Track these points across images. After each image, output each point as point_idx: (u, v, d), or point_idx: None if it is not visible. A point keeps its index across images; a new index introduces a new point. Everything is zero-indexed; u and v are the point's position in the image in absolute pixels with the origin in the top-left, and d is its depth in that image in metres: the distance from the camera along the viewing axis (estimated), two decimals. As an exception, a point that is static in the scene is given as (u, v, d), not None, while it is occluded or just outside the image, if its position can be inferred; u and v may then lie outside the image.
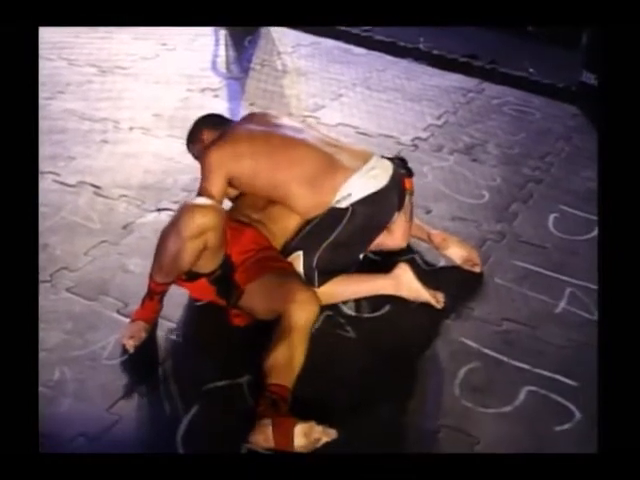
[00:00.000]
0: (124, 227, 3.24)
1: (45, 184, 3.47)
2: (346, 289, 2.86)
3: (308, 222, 2.85)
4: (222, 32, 5.45)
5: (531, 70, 5.12)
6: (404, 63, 5.22)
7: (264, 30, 5.57)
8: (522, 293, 3.02)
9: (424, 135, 4.26)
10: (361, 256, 2.93)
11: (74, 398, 2.40)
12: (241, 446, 2.25)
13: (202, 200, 2.63)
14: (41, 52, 4.55)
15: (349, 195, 2.80)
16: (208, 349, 2.65)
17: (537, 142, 4.27)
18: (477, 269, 3.11)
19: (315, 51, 5.36)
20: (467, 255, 3.11)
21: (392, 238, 3.05)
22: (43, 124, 3.82)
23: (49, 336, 2.62)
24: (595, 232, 3.33)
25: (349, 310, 2.85)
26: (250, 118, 3.08)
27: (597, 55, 4.24)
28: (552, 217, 3.54)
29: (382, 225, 2.96)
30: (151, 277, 2.61)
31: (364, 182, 2.83)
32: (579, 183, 3.83)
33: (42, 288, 2.81)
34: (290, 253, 2.80)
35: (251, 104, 4.45)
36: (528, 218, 3.53)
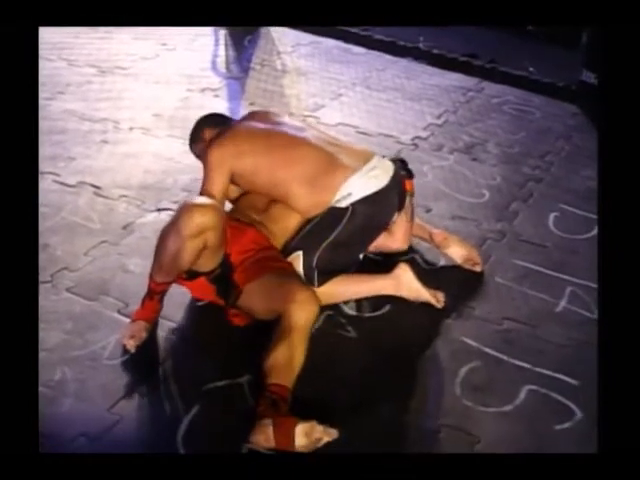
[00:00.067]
0: (124, 227, 3.24)
1: (45, 184, 3.47)
2: (346, 289, 2.86)
3: (308, 221, 2.85)
4: (222, 32, 5.46)
5: (531, 69, 5.12)
6: (404, 62, 5.23)
7: (264, 30, 5.57)
8: (522, 292, 3.02)
9: (424, 134, 4.26)
10: (361, 256, 2.93)
11: (75, 398, 2.40)
12: (242, 446, 2.25)
13: (201, 199, 2.64)
14: (41, 52, 4.55)
15: (349, 194, 2.80)
16: (208, 349, 2.65)
17: (537, 141, 4.27)
18: (477, 268, 3.11)
19: (315, 51, 5.36)
20: (467, 254, 3.11)
21: (393, 240, 3.05)
22: (43, 124, 3.82)
23: (50, 336, 2.62)
24: (595, 231, 3.33)
25: (350, 310, 2.85)
26: (252, 116, 3.08)
27: (597, 54, 4.24)
28: (552, 216, 3.54)
29: (382, 225, 2.96)
30: (151, 277, 2.61)
31: (364, 182, 2.83)
32: (579, 182, 3.83)
33: (42, 288, 2.81)
34: (290, 253, 2.80)
35: (251, 104, 4.45)
36: (528, 217, 3.53)
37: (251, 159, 2.83)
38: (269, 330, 2.46)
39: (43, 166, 3.56)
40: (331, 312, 2.81)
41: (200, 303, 2.82)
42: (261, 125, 2.95)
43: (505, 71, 5.11)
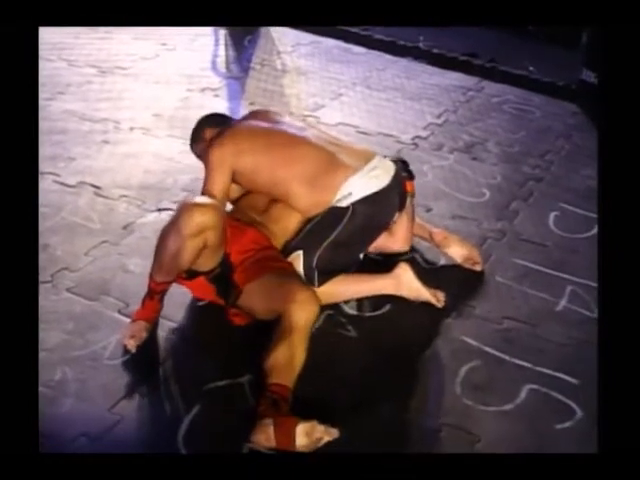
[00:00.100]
0: (124, 227, 3.24)
1: (45, 185, 3.47)
2: (346, 289, 2.86)
3: (309, 221, 2.85)
4: (222, 32, 5.46)
5: (531, 68, 5.12)
6: (404, 62, 5.23)
7: (264, 29, 5.57)
8: (523, 291, 3.02)
9: (424, 134, 4.26)
10: (361, 256, 2.94)
11: (75, 398, 2.40)
12: (242, 446, 2.25)
13: (201, 199, 2.64)
14: (41, 53, 4.55)
15: (350, 194, 2.80)
16: (209, 349, 2.65)
17: (537, 140, 4.27)
18: (478, 267, 3.11)
19: (315, 50, 5.36)
20: (468, 254, 3.11)
21: (394, 241, 3.05)
22: (43, 125, 3.82)
23: (50, 336, 2.62)
24: (595, 230, 3.33)
25: (350, 309, 2.86)
26: (252, 115, 3.08)
27: (597, 53, 4.24)
28: (552, 215, 3.54)
29: (383, 225, 2.96)
30: (151, 277, 2.61)
31: (365, 182, 2.83)
32: (579, 181, 3.83)
33: (43, 288, 2.81)
34: (290, 252, 2.80)
35: (251, 104, 4.45)
36: (528, 216, 3.53)
37: (252, 157, 2.83)
38: (269, 330, 2.46)
39: (43, 166, 3.56)
40: (331, 312, 2.81)
41: (200, 303, 2.82)
42: (262, 124, 2.96)
43: (505, 70, 5.11)
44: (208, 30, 5.45)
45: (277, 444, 2.22)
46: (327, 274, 2.79)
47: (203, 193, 2.78)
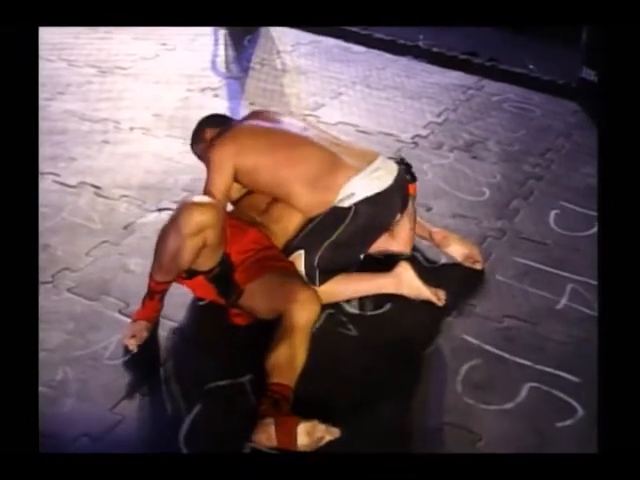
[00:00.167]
0: (125, 227, 3.24)
1: (46, 185, 3.47)
2: (347, 288, 2.87)
3: (310, 221, 2.85)
4: (222, 32, 5.45)
5: (531, 67, 5.12)
6: (404, 61, 5.22)
7: (263, 29, 5.57)
8: (523, 290, 3.02)
9: (424, 133, 4.26)
10: (362, 256, 2.94)
11: (76, 398, 2.41)
12: (244, 445, 2.26)
13: (200, 198, 2.64)
14: (41, 53, 4.55)
15: (352, 194, 2.80)
16: (210, 348, 2.65)
17: (537, 139, 4.27)
18: (478, 266, 3.11)
19: (315, 50, 5.36)
20: (468, 252, 3.11)
21: (396, 243, 3.05)
22: (43, 125, 3.82)
23: (51, 336, 2.62)
24: (596, 228, 3.33)
25: (351, 308, 2.86)
26: (254, 115, 3.08)
27: (597, 51, 4.24)
28: (553, 214, 3.54)
29: (384, 226, 2.96)
30: (151, 276, 2.61)
31: (368, 182, 2.83)
32: (580, 179, 3.83)
33: (44, 289, 2.81)
34: (292, 252, 2.80)
35: (251, 103, 4.45)
36: (529, 215, 3.53)
37: (253, 157, 2.83)
38: (271, 329, 2.46)
39: (44, 167, 3.56)
40: (332, 311, 2.81)
41: (201, 303, 2.82)
42: (263, 124, 2.96)
43: (505, 69, 5.11)
44: (208, 30, 5.45)
45: (278, 443, 2.22)
46: (328, 273, 2.79)
47: (205, 193, 2.78)
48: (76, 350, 2.59)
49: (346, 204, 2.80)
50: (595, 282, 2.92)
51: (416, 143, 4.13)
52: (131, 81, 4.69)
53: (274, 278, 2.63)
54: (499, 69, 5.11)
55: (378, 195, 2.83)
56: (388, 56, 5.28)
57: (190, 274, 2.64)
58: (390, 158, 3.02)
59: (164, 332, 2.69)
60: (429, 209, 3.48)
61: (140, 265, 2.92)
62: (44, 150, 3.63)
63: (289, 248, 2.83)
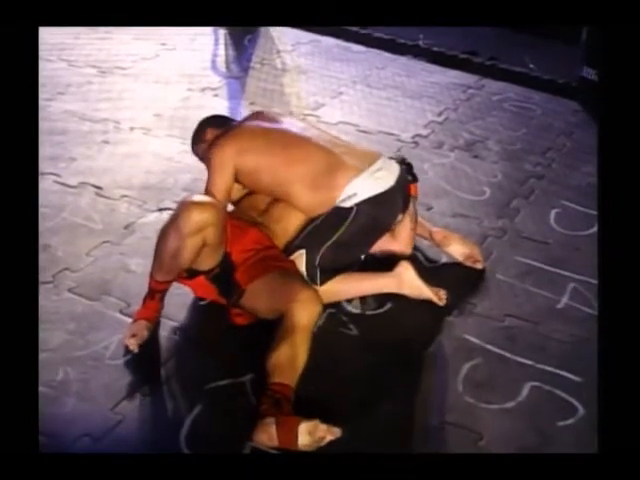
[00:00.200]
0: (126, 227, 3.24)
1: (46, 185, 3.47)
2: (348, 287, 2.87)
3: (311, 221, 2.85)
4: (222, 31, 5.45)
5: (531, 66, 5.12)
6: (404, 60, 5.22)
7: (263, 29, 5.57)
8: (524, 289, 3.02)
9: (424, 132, 4.25)
10: (363, 256, 2.94)
11: (77, 398, 2.41)
12: (244, 445, 2.25)
13: (200, 197, 2.64)
14: (41, 53, 4.55)
15: (354, 195, 2.80)
16: (211, 348, 2.65)
17: (538, 138, 4.27)
18: (479, 265, 3.11)
19: (315, 49, 5.36)
20: (469, 252, 3.11)
21: (397, 243, 3.05)
22: (43, 125, 3.82)
23: (52, 336, 2.62)
24: (597, 227, 3.33)
25: (352, 308, 2.86)
26: (255, 116, 3.08)
27: (597, 50, 4.23)
28: (554, 213, 3.54)
29: (386, 226, 2.96)
30: (151, 276, 2.61)
31: (370, 183, 2.83)
32: (580, 178, 3.83)
33: (44, 289, 2.81)
34: (293, 252, 2.80)
35: (251, 103, 4.46)
36: (529, 214, 3.53)
37: (254, 157, 2.83)
38: (271, 329, 2.46)
39: (44, 167, 3.56)
40: (333, 310, 2.81)
41: (202, 302, 2.82)
42: (264, 124, 2.96)
43: (505, 68, 5.11)
44: (208, 30, 5.45)
45: (279, 443, 2.22)
46: (329, 273, 2.79)
47: (205, 194, 2.78)
48: (77, 350, 2.59)
49: (348, 204, 2.80)
50: (596, 281, 2.92)
51: (416, 142, 4.13)
52: (131, 81, 4.68)
53: (275, 278, 2.63)
54: (499, 68, 5.11)
55: (380, 195, 2.83)
56: (388, 55, 5.28)
57: (191, 274, 2.64)
58: (391, 158, 3.02)
59: (165, 332, 2.69)
60: (430, 208, 3.48)
61: (141, 265, 2.92)
62: (44, 150, 3.63)
63: (290, 248, 2.83)
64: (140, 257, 2.99)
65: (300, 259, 2.78)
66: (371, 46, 5.39)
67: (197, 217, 2.46)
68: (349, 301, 2.87)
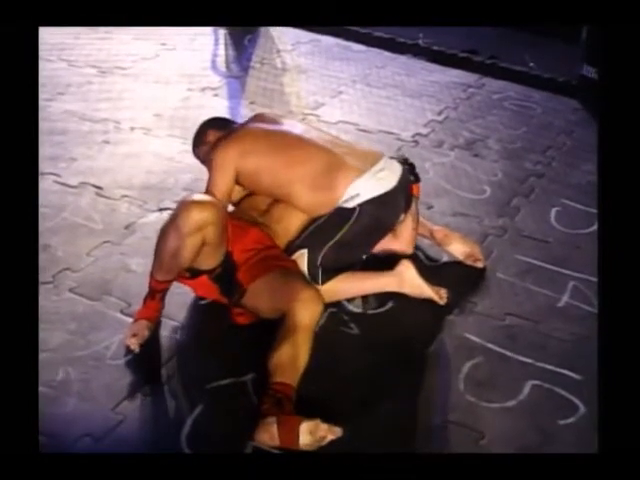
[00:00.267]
0: (126, 227, 3.24)
1: (47, 185, 3.47)
2: (349, 287, 2.87)
3: (314, 221, 2.85)
4: (221, 31, 5.46)
5: (531, 64, 5.12)
6: (403, 59, 5.22)
7: (263, 28, 5.57)
8: (525, 287, 3.02)
9: (425, 131, 4.25)
10: (364, 256, 2.94)
11: (78, 398, 2.41)
12: (246, 444, 2.25)
13: (200, 196, 2.64)
14: (41, 53, 4.55)
15: (357, 195, 2.80)
16: (212, 348, 2.65)
17: (538, 136, 4.27)
18: (479, 264, 3.11)
19: (314, 48, 5.36)
20: (469, 251, 3.11)
21: (398, 243, 3.05)
22: (43, 125, 3.82)
23: (53, 336, 2.62)
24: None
25: (353, 307, 2.86)
26: (256, 118, 3.08)
27: (597, 49, 4.23)
28: (554, 211, 3.54)
29: (388, 227, 2.96)
30: (152, 275, 2.61)
31: (373, 183, 2.83)
32: (581, 177, 3.83)
33: (45, 289, 2.81)
34: (294, 251, 2.81)
35: (251, 102, 4.46)
36: (530, 212, 3.53)
37: (254, 160, 2.83)
38: (273, 328, 2.46)
39: (44, 167, 3.56)
40: (334, 309, 2.81)
41: (203, 302, 2.82)
42: (266, 126, 2.96)
43: (505, 67, 5.11)
44: (208, 29, 5.45)
45: (281, 443, 2.22)
46: (331, 273, 2.80)
47: (206, 194, 2.78)
48: (78, 350, 2.59)
49: (351, 205, 2.80)
50: (596, 279, 2.92)
51: (417, 141, 4.13)
52: (131, 81, 4.68)
53: (277, 277, 2.63)
54: (499, 67, 5.11)
55: (383, 196, 2.83)
56: (388, 54, 5.28)
57: (193, 273, 2.65)
58: (393, 158, 3.02)
59: (166, 332, 2.69)
60: (430, 207, 3.48)
61: (141, 265, 2.92)
62: (44, 150, 3.63)
63: (291, 247, 2.83)
64: (141, 257, 2.99)
65: (302, 259, 2.78)
66: (371, 45, 5.39)
67: (197, 216, 2.46)
68: (350, 300, 2.87)
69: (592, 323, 2.71)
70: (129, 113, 4.25)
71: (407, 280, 2.85)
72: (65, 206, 3.36)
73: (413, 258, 3.01)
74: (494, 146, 4.13)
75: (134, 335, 2.59)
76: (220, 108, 4.29)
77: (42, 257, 2.94)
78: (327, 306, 2.67)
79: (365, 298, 2.88)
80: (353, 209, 2.80)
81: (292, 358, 2.38)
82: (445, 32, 5.34)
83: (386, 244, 3.02)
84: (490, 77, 4.99)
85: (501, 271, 3.10)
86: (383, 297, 2.88)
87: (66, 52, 4.99)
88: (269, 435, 2.23)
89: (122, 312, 2.76)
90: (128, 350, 2.58)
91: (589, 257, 3.07)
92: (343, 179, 2.81)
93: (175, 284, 2.68)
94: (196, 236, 2.48)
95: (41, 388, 2.32)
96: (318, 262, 2.77)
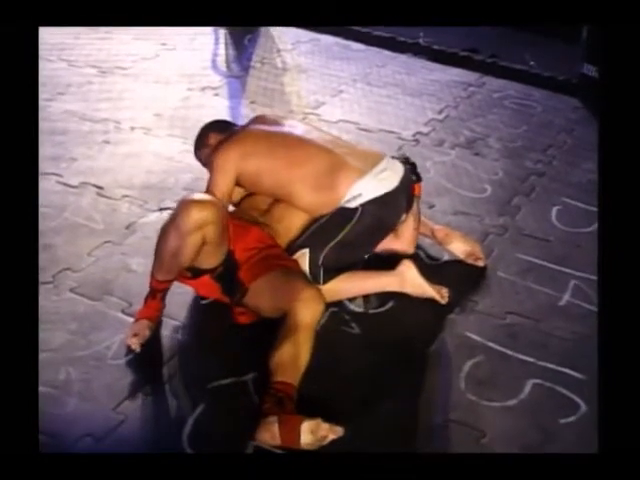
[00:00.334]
0: (127, 227, 3.24)
1: (47, 185, 3.47)
2: (351, 286, 2.87)
3: (315, 220, 2.85)
4: (222, 31, 5.46)
5: (532, 63, 5.11)
6: (404, 58, 5.22)
7: (263, 28, 5.57)
8: (526, 286, 3.02)
9: (425, 130, 4.25)
10: (366, 256, 2.94)
11: (79, 398, 2.41)
12: (247, 444, 2.25)
13: (200, 195, 2.64)
14: (41, 53, 4.55)
15: (359, 195, 2.80)
16: (213, 347, 2.65)
17: (539, 135, 4.27)
18: (480, 263, 3.11)
19: (315, 48, 5.36)
20: (470, 249, 3.11)
21: (400, 243, 3.05)
22: (44, 125, 3.82)
23: (54, 336, 2.62)
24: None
25: (355, 306, 2.86)
26: (257, 120, 3.08)
27: (598, 47, 4.23)
28: (555, 210, 3.54)
29: (390, 227, 2.96)
30: (152, 275, 2.61)
31: (375, 183, 2.83)
32: (581, 175, 3.83)
33: (45, 289, 2.81)
34: (296, 251, 2.81)
35: (252, 102, 4.46)
36: (531, 211, 3.53)
37: (255, 161, 2.83)
38: (274, 328, 2.46)
39: (45, 167, 3.56)
40: (335, 309, 2.81)
41: (204, 301, 2.82)
42: (267, 128, 2.96)
43: (506, 65, 5.11)
44: (208, 29, 5.45)
45: (282, 442, 2.22)
46: (332, 272, 2.80)
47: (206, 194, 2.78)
48: (79, 350, 2.59)
49: (353, 205, 2.80)
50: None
51: (417, 140, 4.13)
52: (131, 81, 4.68)
53: (278, 276, 2.63)
54: (500, 66, 5.11)
55: (385, 196, 2.83)
56: (388, 53, 5.28)
57: (195, 273, 2.65)
58: (395, 158, 3.02)
59: (167, 331, 2.69)
60: (431, 206, 3.47)
61: (142, 265, 2.92)
62: (45, 151, 3.63)
63: (293, 247, 2.83)
64: (141, 257, 2.99)
65: (303, 258, 2.78)
66: (371, 44, 5.39)
67: (196, 215, 2.46)
68: (351, 300, 2.87)
69: (593, 322, 2.70)
70: (129, 113, 4.25)
71: (408, 280, 2.85)
72: (66, 206, 3.37)
73: (414, 257, 3.01)
74: (495, 145, 4.13)
75: (135, 335, 2.59)
76: (220, 108, 4.29)
77: (43, 257, 2.94)
78: (328, 305, 2.67)
79: (366, 298, 2.88)
80: (356, 209, 2.80)
81: (293, 357, 2.38)
82: (445, 31, 5.33)
83: (387, 244, 3.02)
84: (490, 76, 4.99)
85: (502, 270, 3.10)
86: (384, 296, 2.88)
87: (66, 52, 4.99)
88: (270, 434, 2.23)
89: (123, 312, 2.76)
90: (129, 350, 2.58)
91: (590, 256, 3.05)
92: (345, 179, 2.82)
93: (176, 283, 2.68)
94: (196, 235, 2.48)
95: (42, 388, 2.32)
96: (320, 262, 2.77)
